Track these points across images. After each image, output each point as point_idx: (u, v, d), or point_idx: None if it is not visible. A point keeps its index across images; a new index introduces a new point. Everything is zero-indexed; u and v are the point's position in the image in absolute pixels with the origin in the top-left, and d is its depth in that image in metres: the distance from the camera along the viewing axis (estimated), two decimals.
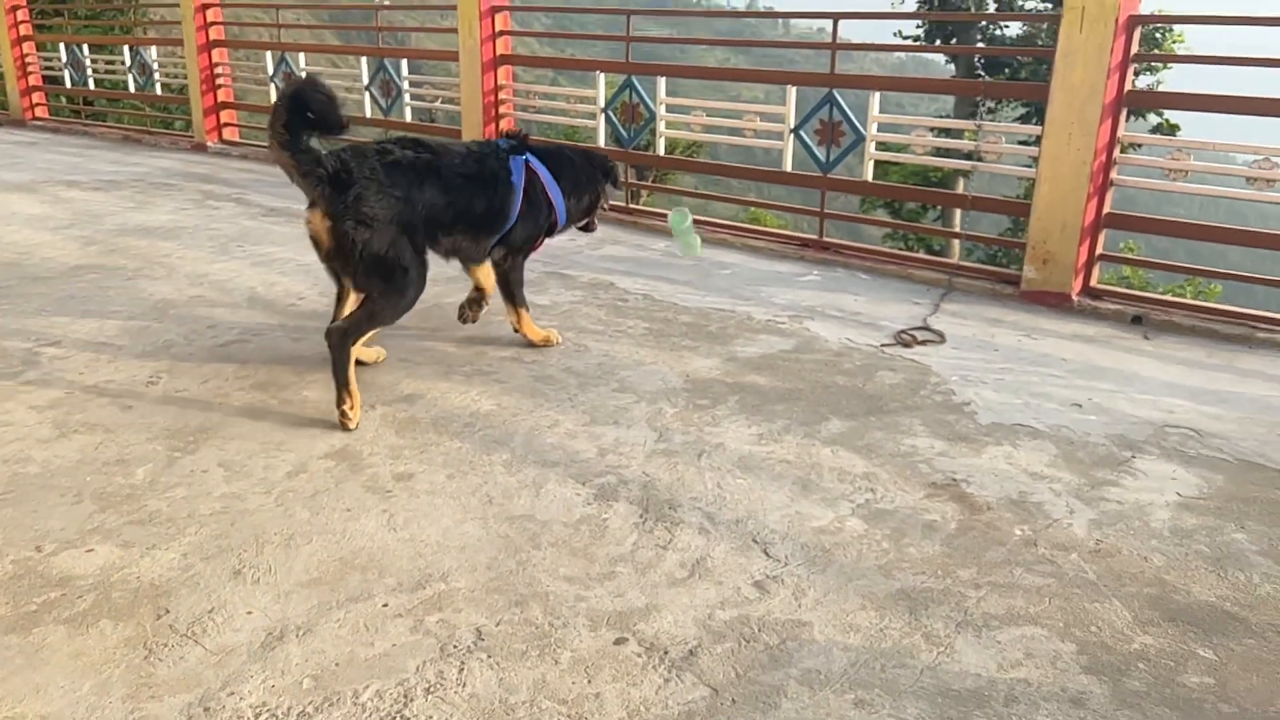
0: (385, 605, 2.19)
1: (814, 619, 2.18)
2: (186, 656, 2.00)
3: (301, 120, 2.99)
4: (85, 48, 10.56)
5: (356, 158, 3.16)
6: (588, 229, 4.15)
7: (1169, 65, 15.57)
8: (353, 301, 3.39)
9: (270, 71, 8.60)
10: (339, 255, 3.19)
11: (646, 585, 2.29)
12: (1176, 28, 17.06)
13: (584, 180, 3.89)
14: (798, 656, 2.05)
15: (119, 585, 2.24)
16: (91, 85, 10.72)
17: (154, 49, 9.81)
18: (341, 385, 3.13)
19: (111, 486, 2.69)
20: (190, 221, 6.06)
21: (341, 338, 3.17)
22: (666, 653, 2.05)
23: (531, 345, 3.88)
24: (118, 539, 2.43)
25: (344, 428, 3.09)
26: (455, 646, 2.05)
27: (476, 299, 3.87)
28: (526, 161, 3.65)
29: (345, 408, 3.11)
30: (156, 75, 9.82)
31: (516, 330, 3.90)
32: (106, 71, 10.55)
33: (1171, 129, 16.10)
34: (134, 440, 2.97)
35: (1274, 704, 1.92)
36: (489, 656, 2.02)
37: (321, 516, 2.56)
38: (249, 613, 2.15)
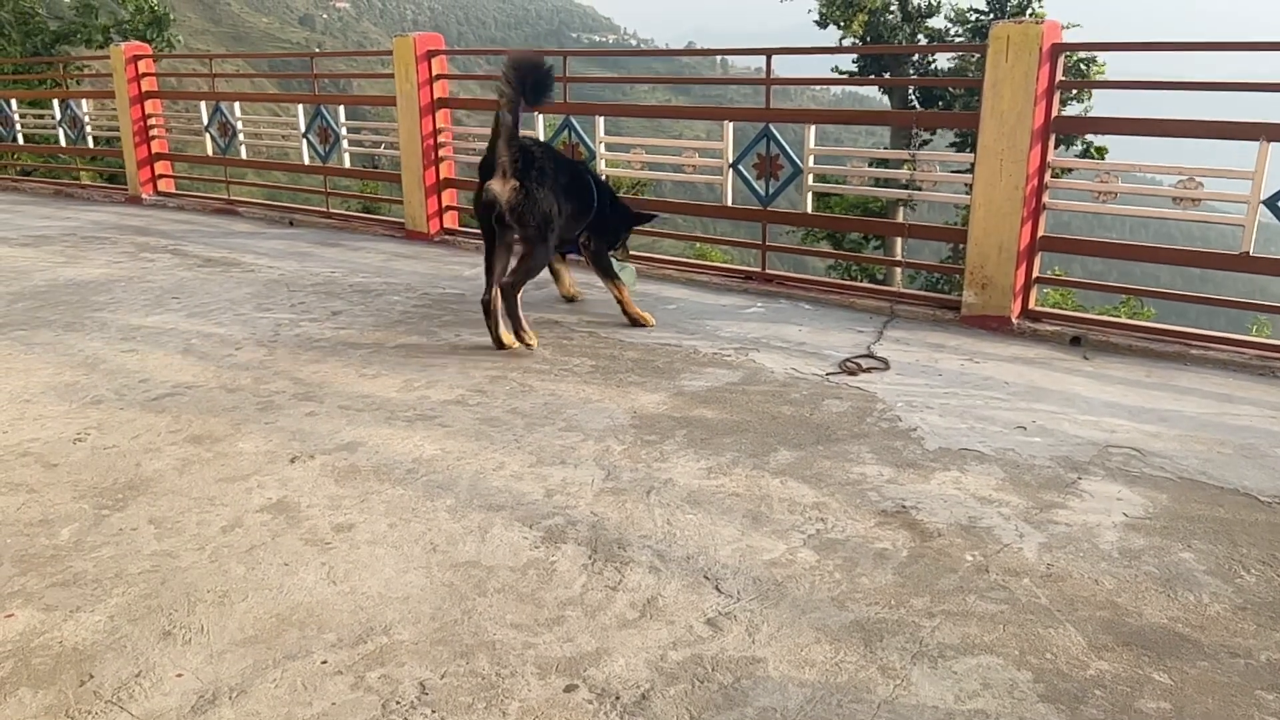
0: (324, 662, 2.10)
1: (768, 655, 2.13)
2: None
3: (527, 89, 4.12)
4: (14, 103, 10.35)
5: (532, 146, 4.33)
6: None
7: (1089, 94, 16.03)
8: (499, 274, 4.36)
9: (205, 121, 8.49)
10: (517, 211, 4.19)
11: (596, 628, 2.23)
12: (1100, 57, 17.65)
13: (618, 205, 4.97)
14: (753, 695, 2.00)
15: (40, 651, 2.13)
16: (20, 140, 10.50)
17: (85, 102, 9.64)
18: (518, 327, 4.30)
19: (34, 548, 2.57)
20: (123, 274, 5.92)
21: (510, 289, 4.29)
22: (618, 698, 1.99)
23: (631, 320, 4.76)
24: (39, 603, 2.31)
25: (529, 349, 4.29)
26: (398, 703, 1.97)
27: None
28: (593, 177, 4.82)
29: (525, 339, 4.30)
30: (88, 129, 9.65)
31: (617, 298, 4.80)
32: (36, 126, 10.35)
33: (1100, 153, 16.58)
34: (59, 499, 2.85)
35: None
36: (433, 712, 1.95)
37: (258, 572, 2.47)
38: (179, 675, 2.05)
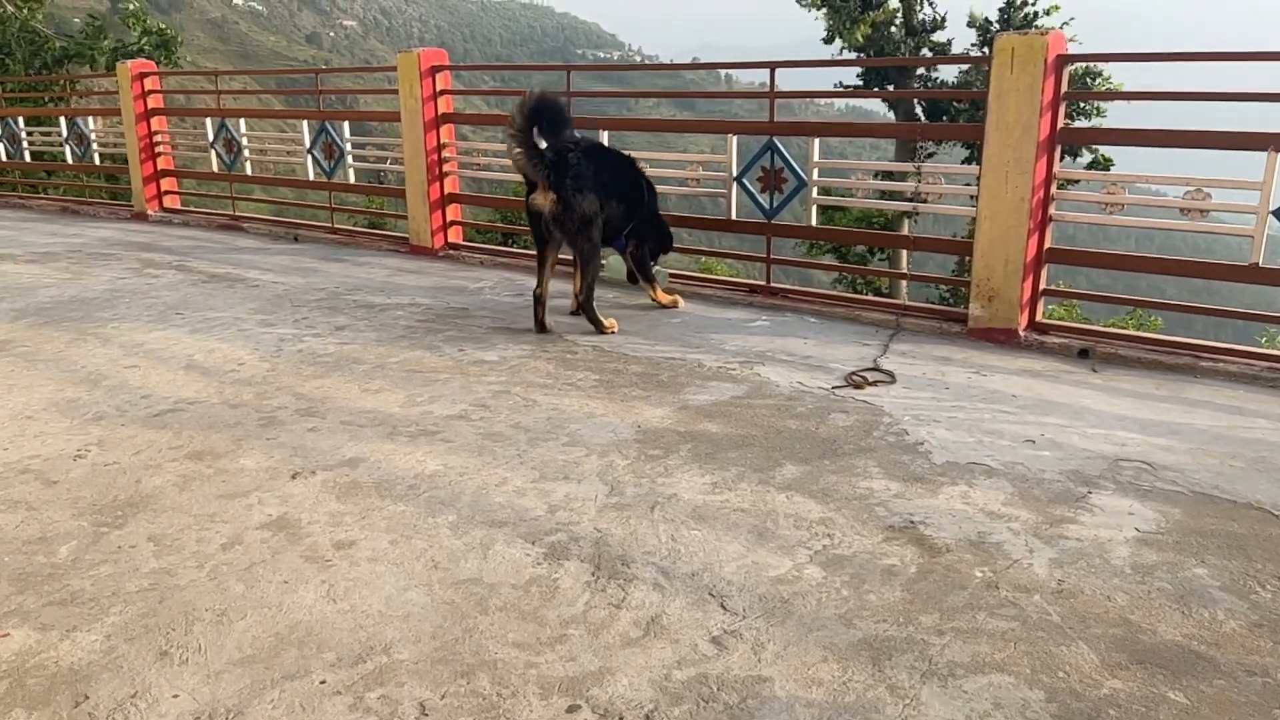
0: (323, 682, 2.07)
1: (774, 674, 2.09)
2: None
3: (535, 124, 4.41)
4: (20, 120, 10.40)
5: (568, 152, 4.52)
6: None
7: (1100, 108, 16.01)
8: (550, 266, 4.82)
9: (210, 137, 8.50)
10: (561, 218, 4.58)
11: (600, 647, 2.20)
12: (1106, 70, 17.64)
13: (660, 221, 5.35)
14: (759, 715, 1.96)
15: (35, 671, 2.10)
16: (28, 158, 10.54)
17: (91, 119, 9.68)
18: (600, 326, 4.80)
19: (32, 566, 2.54)
20: (128, 290, 5.92)
21: (586, 300, 4.80)
22: (622, 718, 1.95)
23: (661, 306, 5.32)
24: (36, 621, 2.29)
25: (613, 332, 4.78)
26: None
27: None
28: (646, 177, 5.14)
29: (609, 331, 4.78)
30: (94, 145, 9.68)
31: (652, 300, 5.32)
32: (43, 143, 10.39)
33: (1106, 164, 16.55)
34: (58, 517, 2.83)
35: None
36: None
37: (257, 590, 2.44)
38: (175, 696, 2.01)
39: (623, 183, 4.93)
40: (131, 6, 16.07)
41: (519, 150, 4.48)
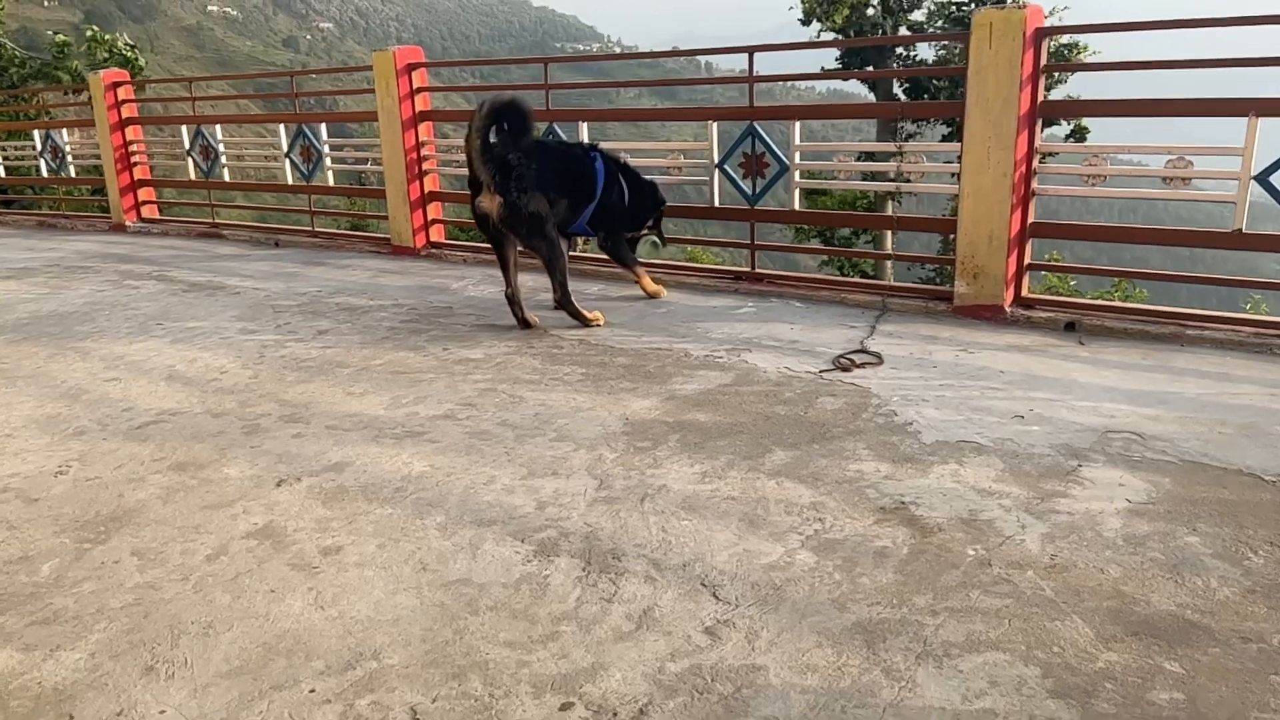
0: (312, 691, 2.04)
1: (769, 662, 2.07)
2: None
3: (497, 126, 4.43)
4: None
5: (508, 154, 4.45)
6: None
7: (1066, 77, 15.99)
8: (513, 264, 4.77)
9: (187, 145, 8.43)
10: (509, 220, 4.54)
11: (592, 643, 2.17)
12: (1081, 40, 17.64)
13: (645, 195, 5.15)
14: (754, 704, 1.94)
15: (18, 693, 2.06)
16: (2, 173, 10.44)
17: (65, 131, 9.59)
18: (583, 320, 4.76)
19: (13, 586, 2.51)
20: (107, 303, 5.86)
21: (563, 296, 4.74)
22: (616, 714, 1.93)
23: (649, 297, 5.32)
24: (18, 642, 2.25)
25: (598, 325, 4.76)
26: None
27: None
28: (605, 163, 4.93)
29: (595, 324, 4.76)
30: (69, 158, 9.59)
31: (638, 284, 5.31)
32: (17, 158, 10.29)
33: (1082, 134, 16.55)
34: (39, 535, 2.79)
35: (1247, 716, 1.85)
36: None
37: (243, 600, 2.40)
38: (162, 712, 1.98)
39: (568, 176, 4.79)
40: (90, 32, 16.45)
41: (476, 150, 4.46)
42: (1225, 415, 3.33)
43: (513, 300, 4.81)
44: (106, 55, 16.24)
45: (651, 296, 5.31)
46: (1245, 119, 4.01)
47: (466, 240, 7.26)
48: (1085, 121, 16.29)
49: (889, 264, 16.83)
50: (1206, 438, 3.15)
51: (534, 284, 5.37)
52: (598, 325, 4.77)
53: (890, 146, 5.20)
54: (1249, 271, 6.34)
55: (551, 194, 4.63)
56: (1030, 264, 4.76)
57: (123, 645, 2.23)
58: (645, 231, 5.32)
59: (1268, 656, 2.02)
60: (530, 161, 4.53)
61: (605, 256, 5.56)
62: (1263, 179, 4.05)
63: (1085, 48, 17.68)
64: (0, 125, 10.89)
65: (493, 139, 4.47)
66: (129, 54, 16.57)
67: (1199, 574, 2.34)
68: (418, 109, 6.75)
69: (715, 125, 5.64)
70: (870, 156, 6.37)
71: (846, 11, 20.49)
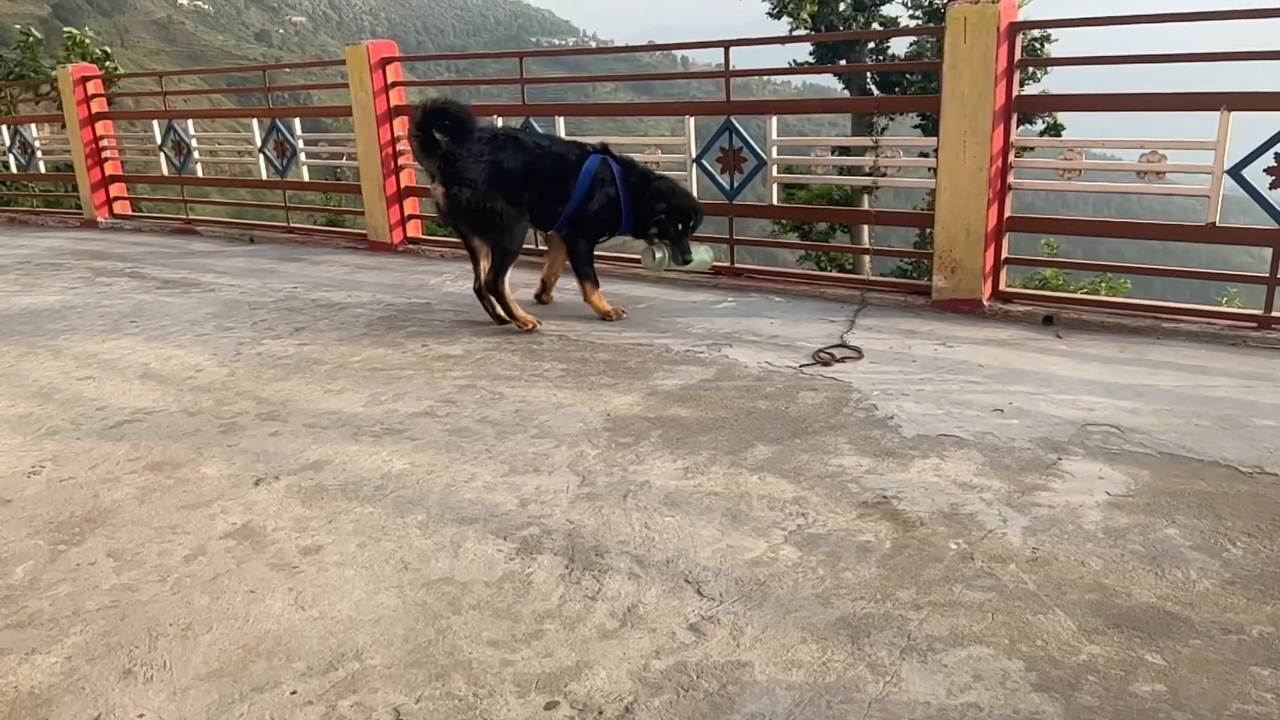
0: (294, 693, 2.02)
1: (754, 658, 2.07)
2: None
3: (435, 127, 4.37)
4: None
5: (454, 148, 4.39)
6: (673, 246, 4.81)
7: (1045, 71, 16.14)
8: (485, 258, 4.61)
9: (159, 140, 8.33)
10: (452, 214, 4.53)
11: (576, 641, 2.16)
12: (1053, 35, 17.76)
13: (652, 201, 4.69)
14: (740, 701, 1.94)
15: None
16: None
17: (34, 126, 9.45)
18: (511, 316, 4.62)
19: None
20: (80, 300, 5.78)
21: (494, 282, 4.59)
22: (601, 713, 1.92)
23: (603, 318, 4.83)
24: None
25: (535, 330, 4.58)
26: None
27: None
28: (605, 162, 4.69)
29: (527, 327, 4.60)
30: (39, 154, 9.45)
31: (586, 301, 4.85)
32: None
33: (1058, 128, 16.67)
34: (13, 537, 2.74)
35: (1229, 707, 1.86)
36: None
37: (222, 601, 2.37)
38: (140, 715, 1.95)
39: (538, 174, 4.56)
40: (66, 34, 16.37)
41: (416, 150, 4.54)
42: (1202, 407, 3.36)
43: (480, 294, 4.74)
44: (80, 59, 16.11)
45: (601, 316, 4.81)
46: (1217, 113, 4.04)
47: (444, 235, 7.21)
48: (1060, 116, 16.41)
49: (868, 258, 16.91)
50: (1184, 430, 3.17)
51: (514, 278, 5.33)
52: (528, 329, 4.61)
53: (866, 141, 5.20)
54: (1221, 264, 6.41)
55: (509, 189, 4.48)
56: (1008, 258, 4.79)
57: (100, 648, 2.19)
58: (655, 235, 4.79)
59: (1248, 647, 2.04)
60: (485, 155, 4.45)
61: (606, 255, 5.43)
62: (1235, 173, 4.08)
63: (1056, 40, 17.82)
64: None
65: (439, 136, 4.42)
66: (107, 63, 16.37)
67: (1179, 566, 2.36)
68: (392, 103, 6.70)
69: (692, 120, 5.63)
70: (846, 151, 6.38)
71: (814, 7, 20.49)
